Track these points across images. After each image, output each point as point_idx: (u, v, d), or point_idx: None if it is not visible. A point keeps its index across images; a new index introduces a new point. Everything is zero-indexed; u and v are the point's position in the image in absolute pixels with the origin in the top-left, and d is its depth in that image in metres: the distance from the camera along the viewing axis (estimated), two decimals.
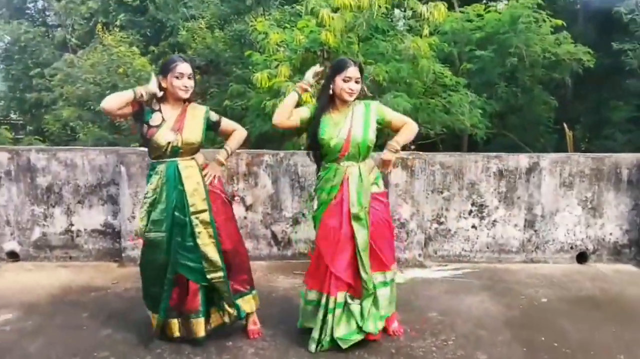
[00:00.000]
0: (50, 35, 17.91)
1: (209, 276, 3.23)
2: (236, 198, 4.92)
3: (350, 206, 3.19)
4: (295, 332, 3.52)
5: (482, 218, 5.15)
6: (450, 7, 9.91)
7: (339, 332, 3.21)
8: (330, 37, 7.05)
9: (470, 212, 5.15)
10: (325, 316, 3.24)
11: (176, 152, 3.20)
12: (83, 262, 5.01)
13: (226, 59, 11.87)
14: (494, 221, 5.15)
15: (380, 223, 3.32)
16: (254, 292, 3.50)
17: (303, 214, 5.04)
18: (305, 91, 3.28)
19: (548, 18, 9.50)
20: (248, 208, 5.01)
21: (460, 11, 10.65)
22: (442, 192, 5.11)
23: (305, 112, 3.27)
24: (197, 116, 3.28)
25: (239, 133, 3.49)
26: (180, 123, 3.20)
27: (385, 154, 3.27)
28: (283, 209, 5.04)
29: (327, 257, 3.22)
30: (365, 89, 3.33)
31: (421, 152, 5.18)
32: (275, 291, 4.31)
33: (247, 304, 3.43)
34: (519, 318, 3.86)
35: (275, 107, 7.05)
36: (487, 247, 5.18)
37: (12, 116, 19.02)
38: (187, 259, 3.23)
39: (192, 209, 3.19)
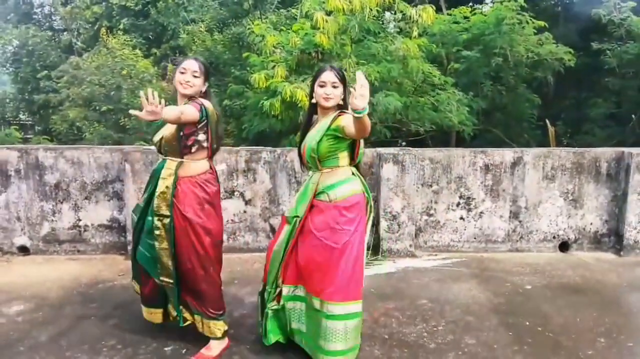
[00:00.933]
0: (57, 39, 17.80)
1: (160, 278, 3.02)
2: (235, 193, 4.92)
3: (289, 208, 3.01)
4: None
5: (469, 210, 5.16)
6: (438, 10, 9.94)
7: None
8: (324, 39, 7.05)
9: (458, 204, 5.16)
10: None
11: (165, 150, 3.02)
12: (90, 255, 4.99)
13: (225, 61, 11.83)
14: (481, 212, 5.16)
15: (315, 238, 2.80)
16: (213, 321, 3.07)
17: None
18: None
19: (531, 20, 9.53)
20: (247, 202, 5.00)
21: (447, 13, 10.69)
22: (431, 186, 5.12)
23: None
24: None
25: (177, 107, 2.89)
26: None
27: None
28: (281, 204, 5.03)
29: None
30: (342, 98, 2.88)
31: (411, 148, 5.19)
32: None
33: (214, 325, 3.08)
34: (505, 304, 3.87)
35: (272, 106, 7.06)
36: (475, 238, 5.19)
37: (21, 116, 18.91)
38: (147, 251, 3.04)
39: (155, 210, 2.95)
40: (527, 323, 3.54)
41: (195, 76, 3.00)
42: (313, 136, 2.86)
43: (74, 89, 12.70)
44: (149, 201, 3.02)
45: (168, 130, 2.98)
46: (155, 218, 2.95)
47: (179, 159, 2.97)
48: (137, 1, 14.96)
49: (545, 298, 4.01)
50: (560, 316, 3.66)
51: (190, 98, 3.01)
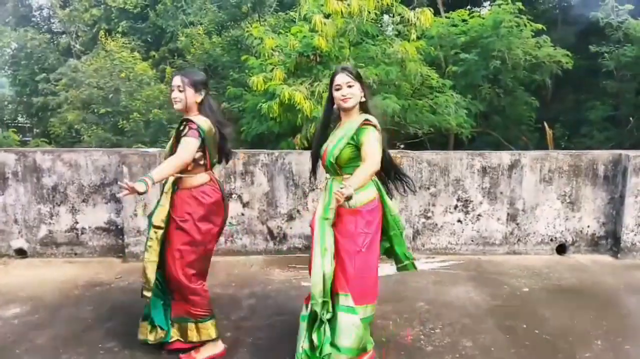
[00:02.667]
0: (55, 42, 17.79)
1: (144, 292, 3.05)
2: (233, 196, 4.92)
3: (318, 209, 2.93)
4: (290, 322, 3.52)
5: (467, 213, 5.17)
6: (436, 13, 9.97)
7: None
8: (323, 42, 7.07)
9: (456, 207, 5.16)
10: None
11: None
12: (88, 258, 4.99)
13: (223, 64, 11.86)
14: (478, 215, 5.17)
15: (342, 243, 2.82)
16: (209, 321, 3.11)
17: (298, 211, 5.04)
18: None
19: (529, 23, 9.57)
20: (245, 205, 5.00)
21: (445, 16, 10.72)
22: (429, 189, 5.12)
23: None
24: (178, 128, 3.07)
25: (173, 159, 2.91)
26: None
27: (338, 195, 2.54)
28: (278, 206, 5.03)
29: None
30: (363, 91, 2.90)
31: (409, 151, 5.20)
32: (271, 284, 4.31)
33: (204, 329, 3.09)
34: (502, 307, 3.88)
35: (271, 109, 7.07)
36: (472, 240, 5.20)
37: (20, 119, 18.90)
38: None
39: (152, 222, 3.00)
40: (524, 326, 3.54)
41: (180, 90, 3.01)
42: (335, 142, 2.85)
43: (73, 91, 12.70)
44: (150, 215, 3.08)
45: (168, 147, 3.09)
46: (152, 230, 2.99)
47: (178, 175, 3.00)
48: (135, 4, 14.97)
49: (542, 300, 4.02)
50: (557, 318, 3.66)
51: (187, 111, 3.04)
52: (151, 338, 3.11)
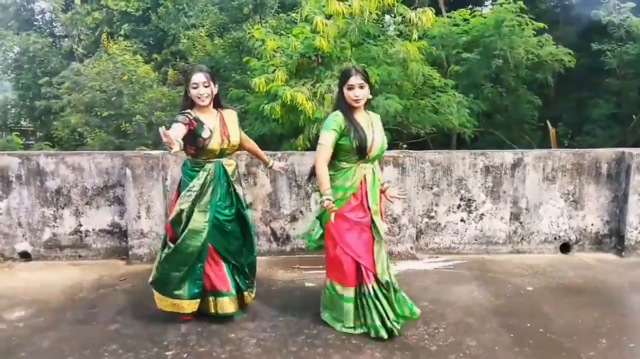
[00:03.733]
0: (58, 45, 17.85)
1: (249, 259, 3.64)
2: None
3: (370, 202, 3.29)
4: (294, 323, 3.53)
5: (470, 212, 5.16)
6: (438, 12, 9.96)
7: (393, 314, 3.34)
8: (324, 42, 7.06)
9: (459, 206, 5.16)
10: (368, 304, 3.31)
11: (223, 153, 3.47)
12: (92, 260, 5.00)
13: (225, 65, 11.86)
14: (482, 214, 5.16)
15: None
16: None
17: (301, 212, 5.04)
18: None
19: (530, 21, 9.55)
20: (248, 206, 5.00)
21: (447, 16, 10.70)
22: (431, 188, 5.12)
23: (332, 138, 3.23)
24: (233, 120, 3.55)
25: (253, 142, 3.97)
26: (224, 129, 3.45)
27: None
28: (281, 207, 5.04)
29: (354, 251, 3.26)
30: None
31: (411, 151, 5.20)
32: (275, 284, 4.32)
33: (253, 294, 3.76)
34: (506, 306, 3.87)
35: (273, 110, 7.09)
36: (475, 240, 5.19)
37: (23, 123, 18.94)
38: (228, 243, 3.52)
39: (242, 201, 3.59)
40: (529, 325, 3.53)
41: (206, 86, 3.35)
42: (381, 135, 3.35)
43: (75, 95, 12.73)
44: (217, 200, 3.44)
45: (236, 138, 3.53)
46: (242, 210, 3.58)
47: (232, 160, 3.58)
48: (137, 7, 14.99)
49: (546, 299, 4.01)
50: (561, 317, 3.66)
51: (209, 106, 3.44)
52: (248, 298, 3.71)
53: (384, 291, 3.30)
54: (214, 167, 3.44)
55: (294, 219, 5.05)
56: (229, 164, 3.52)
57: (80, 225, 5.01)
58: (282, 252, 5.08)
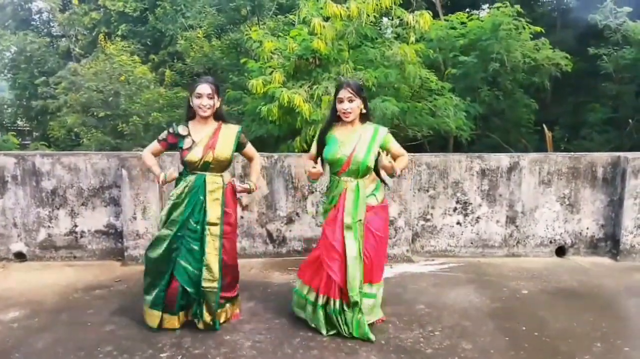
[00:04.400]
0: (55, 45, 17.79)
1: (204, 284, 3.36)
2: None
3: (345, 215, 3.28)
4: (289, 325, 3.53)
5: (466, 215, 5.17)
6: (435, 16, 9.97)
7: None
8: (322, 44, 7.07)
9: (455, 209, 5.17)
10: (315, 312, 3.37)
11: (207, 167, 3.37)
12: (87, 261, 4.99)
13: (223, 67, 11.86)
14: (478, 217, 5.17)
15: (372, 236, 3.35)
16: (238, 298, 3.70)
17: (297, 214, 5.04)
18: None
19: (527, 25, 9.58)
20: (244, 208, 5.00)
21: (444, 19, 10.73)
22: (428, 191, 5.13)
23: (313, 147, 3.53)
24: (229, 135, 3.44)
25: (257, 162, 3.73)
26: (213, 141, 3.37)
27: (384, 162, 3.26)
28: (277, 209, 5.04)
29: (324, 262, 3.32)
30: (365, 107, 3.35)
31: (408, 154, 5.19)
32: (270, 287, 4.31)
33: (230, 309, 3.60)
34: (502, 309, 3.88)
35: (270, 112, 7.09)
36: (471, 243, 5.20)
37: (19, 122, 18.85)
38: (187, 262, 3.39)
39: (207, 219, 3.35)
40: (524, 328, 3.54)
41: (210, 98, 3.33)
42: (365, 150, 3.29)
43: (72, 95, 12.69)
44: (189, 214, 3.36)
45: (223, 152, 3.38)
46: (206, 226, 3.35)
47: (221, 174, 3.42)
48: (135, 7, 14.97)
49: (542, 302, 4.02)
50: (557, 320, 3.66)
51: (209, 117, 3.40)
52: (199, 326, 3.44)
53: (348, 308, 3.31)
54: (195, 180, 3.38)
55: (290, 221, 5.05)
56: (213, 181, 3.38)
57: (76, 226, 4.99)
58: (278, 255, 5.07)
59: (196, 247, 3.37)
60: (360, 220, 3.29)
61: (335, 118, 3.39)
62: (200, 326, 3.43)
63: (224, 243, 3.42)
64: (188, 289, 3.38)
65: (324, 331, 3.35)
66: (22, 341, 3.32)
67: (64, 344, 3.28)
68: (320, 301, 3.35)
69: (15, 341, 3.32)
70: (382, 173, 3.39)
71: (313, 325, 3.42)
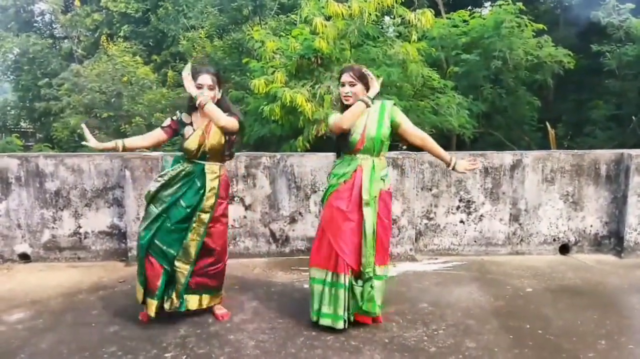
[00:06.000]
0: (57, 47, 17.87)
1: (176, 264, 3.40)
2: (235, 198, 4.94)
3: (363, 192, 3.29)
4: (293, 325, 3.53)
5: (469, 213, 5.16)
6: (437, 14, 9.97)
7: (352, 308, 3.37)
8: (324, 44, 7.08)
9: (458, 207, 5.16)
10: (336, 293, 3.33)
11: (204, 156, 3.40)
12: (91, 262, 5.00)
13: (225, 67, 11.88)
14: (481, 215, 5.17)
15: (381, 220, 3.37)
16: (221, 293, 3.67)
17: (300, 213, 5.05)
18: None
19: (530, 23, 9.57)
20: (247, 208, 5.01)
21: (446, 17, 10.72)
22: (431, 190, 5.12)
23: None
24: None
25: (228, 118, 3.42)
26: (207, 129, 3.38)
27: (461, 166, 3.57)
28: (280, 209, 5.04)
29: (332, 238, 3.31)
30: (366, 92, 3.32)
31: (411, 152, 5.19)
32: (274, 286, 4.32)
33: (207, 300, 3.57)
34: (506, 308, 3.87)
35: (272, 111, 7.09)
36: (475, 241, 5.20)
37: (23, 124, 18.95)
38: (164, 242, 3.41)
39: (201, 206, 3.37)
40: (528, 326, 3.53)
41: (211, 89, 3.33)
42: (371, 126, 3.33)
43: (75, 96, 12.75)
44: (179, 197, 3.39)
45: (214, 139, 3.38)
46: (199, 214, 3.37)
47: (220, 163, 3.47)
48: (137, 8, 15.02)
49: (545, 300, 4.01)
50: (561, 318, 3.65)
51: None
52: (165, 305, 3.44)
53: (359, 282, 3.33)
54: (193, 166, 3.42)
55: (293, 220, 5.05)
56: (212, 170, 3.42)
57: (80, 227, 5.01)
58: (281, 254, 5.08)
59: (179, 230, 3.39)
60: (376, 196, 3.32)
61: (344, 104, 3.43)
62: (166, 305, 3.44)
63: (211, 230, 3.44)
64: (164, 266, 3.41)
65: (341, 312, 3.30)
66: (27, 342, 3.33)
67: (68, 344, 3.29)
68: (342, 280, 3.31)
69: (20, 342, 3.33)
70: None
71: (328, 321, 3.35)
